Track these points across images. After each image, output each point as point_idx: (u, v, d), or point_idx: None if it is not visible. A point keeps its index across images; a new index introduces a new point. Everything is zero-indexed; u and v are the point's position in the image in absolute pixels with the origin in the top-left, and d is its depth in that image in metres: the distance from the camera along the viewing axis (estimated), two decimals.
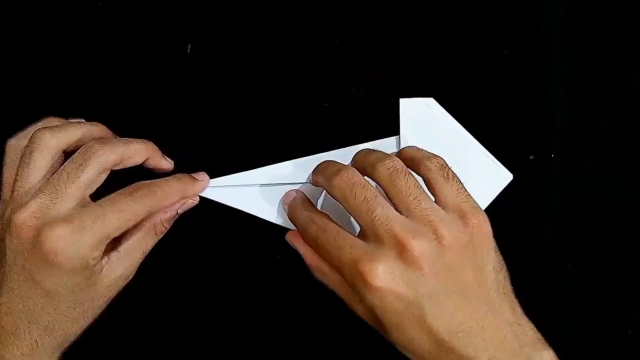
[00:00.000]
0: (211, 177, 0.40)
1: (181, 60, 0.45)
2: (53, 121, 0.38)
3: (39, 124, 0.38)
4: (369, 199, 0.33)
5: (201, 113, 0.44)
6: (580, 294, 0.42)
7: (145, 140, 0.38)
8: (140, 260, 0.37)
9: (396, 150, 0.38)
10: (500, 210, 0.40)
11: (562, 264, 0.43)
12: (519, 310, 0.34)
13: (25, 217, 0.33)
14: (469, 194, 0.35)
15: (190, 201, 0.39)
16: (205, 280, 0.42)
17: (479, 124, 0.43)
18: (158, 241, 0.38)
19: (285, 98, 0.44)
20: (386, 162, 0.35)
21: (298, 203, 0.38)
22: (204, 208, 0.39)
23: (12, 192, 0.35)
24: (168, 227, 0.38)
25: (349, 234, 0.34)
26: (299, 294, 0.42)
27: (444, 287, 0.32)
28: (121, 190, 0.35)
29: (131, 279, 0.37)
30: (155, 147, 0.38)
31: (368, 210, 0.33)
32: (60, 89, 0.44)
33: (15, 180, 0.35)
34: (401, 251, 0.32)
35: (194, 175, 0.39)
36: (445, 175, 0.35)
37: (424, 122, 0.41)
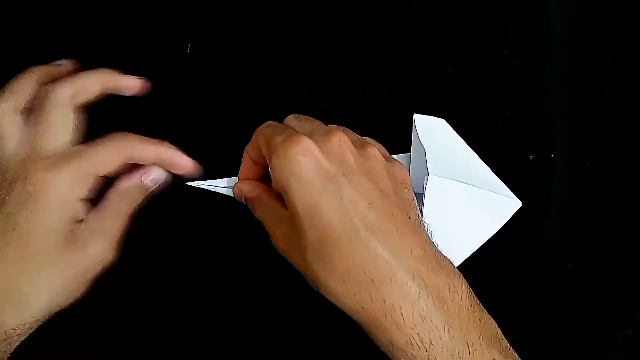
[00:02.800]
0: (211, 177, 0.40)
1: (181, 60, 0.45)
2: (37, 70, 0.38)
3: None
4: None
5: (201, 113, 0.44)
6: (580, 294, 0.42)
7: (97, 69, 0.38)
8: (116, 236, 0.36)
9: (409, 167, 0.39)
10: None
11: (562, 264, 0.43)
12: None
13: (14, 166, 0.34)
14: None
15: (154, 171, 0.38)
16: (205, 279, 0.42)
17: (479, 123, 0.43)
18: (158, 241, 0.38)
19: (285, 98, 0.44)
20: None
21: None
22: (203, 206, 0.40)
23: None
24: (138, 197, 0.37)
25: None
26: (300, 293, 0.42)
27: (366, 182, 0.33)
28: None
29: (115, 265, 0.36)
30: (111, 71, 0.38)
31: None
32: None
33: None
34: (328, 136, 0.34)
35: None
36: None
37: (436, 141, 0.41)
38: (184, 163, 0.38)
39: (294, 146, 0.33)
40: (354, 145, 0.35)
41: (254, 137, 0.38)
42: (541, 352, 0.41)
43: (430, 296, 0.31)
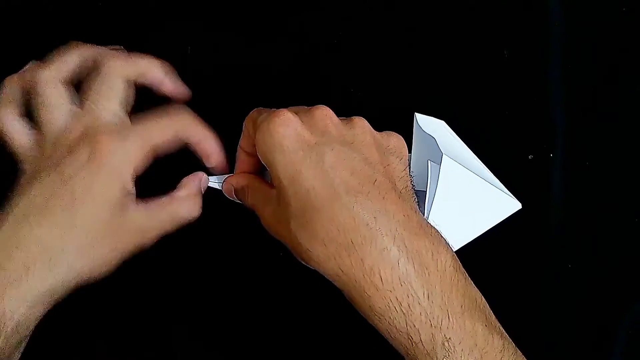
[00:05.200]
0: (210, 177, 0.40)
1: (181, 60, 0.45)
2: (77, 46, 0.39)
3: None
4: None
5: (200, 113, 0.44)
6: (580, 294, 0.42)
7: (161, 60, 0.39)
8: (163, 229, 0.36)
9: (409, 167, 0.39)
10: None
11: (563, 264, 0.43)
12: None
13: (74, 134, 0.35)
14: None
15: (204, 178, 0.39)
16: (205, 279, 0.42)
17: (479, 123, 0.43)
18: (158, 242, 0.38)
19: (285, 98, 0.44)
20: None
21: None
22: (204, 206, 0.39)
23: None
24: (197, 204, 0.38)
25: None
26: (301, 292, 0.42)
27: (348, 150, 0.34)
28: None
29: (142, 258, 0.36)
30: (170, 65, 0.39)
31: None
32: None
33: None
34: (310, 110, 0.35)
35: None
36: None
37: (432, 141, 0.40)
38: (216, 155, 0.39)
39: (275, 118, 0.34)
40: (337, 118, 0.36)
41: (244, 126, 0.39)
42: (541, 351, 0.41)
43: (410, 260, 0.31)
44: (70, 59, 0.38)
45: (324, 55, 0.45)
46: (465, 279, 0.33)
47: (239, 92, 0.44)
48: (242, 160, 0.39)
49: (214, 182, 0.40)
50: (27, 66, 0.39)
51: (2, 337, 0.31)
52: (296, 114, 0.35)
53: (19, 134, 0.37)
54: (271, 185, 0.35)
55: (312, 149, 0.33)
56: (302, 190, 0.32)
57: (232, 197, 0.40)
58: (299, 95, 0.44)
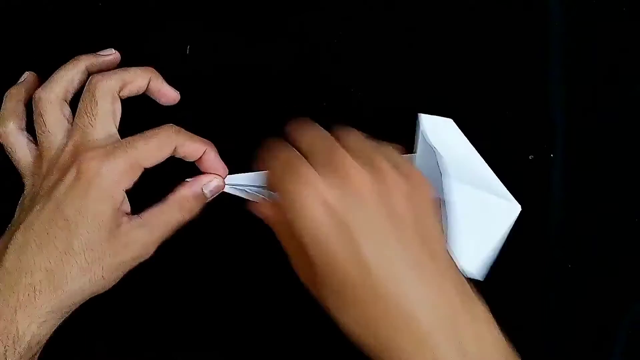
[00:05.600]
0: None
1: (180, 60, 0.45)
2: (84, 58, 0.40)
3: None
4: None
5: (200, 114, 0.44)
6: (580, 294, 0.42)
7: (144, 67, 0.39)
8: (161, 237, 0.37)
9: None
10: None
11: (563, 264, 0.43)
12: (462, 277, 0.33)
13: (65, 155, 0.36)
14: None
15: (215, 182, 0.39)
16: (205, 279, 0.42)
17: (479, 123, 0.43)
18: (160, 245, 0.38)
19: (285, 98, 0.44)
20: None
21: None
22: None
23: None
24: (194, 206, 0.38)
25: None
26: (302, 292, 0.42)
27: (379, 215, 0.32)
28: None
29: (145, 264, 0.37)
30: (154, 71, 0.40)
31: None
32: None
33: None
34: (333, 164, 0.32)
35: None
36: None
37: (443, 142, 0.40)
38: (219, 168, 0.39)
39: (305, 197, 0.32)
40: (364, 165, 0.33)
41: (264, 163, 0.37)
42: (541, 351, 0.41)
43: (452, 344, 0.30)
44: (70, 77, 0.39)
45: (324, 55, 0.45)
46: (503, 351, 0.32)
47: (238, 92, 0.44)
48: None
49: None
50: (23, 78, 0.41)
51: (17, 356, 0.33)
52: (314, 160, 0.33)
53: (22, 149, 0.38)
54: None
55: (347, 229, 0.31)
56: (332, 269, 0.31)
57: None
58: (299, 96, 0.44)
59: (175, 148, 0.37)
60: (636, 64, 0.45)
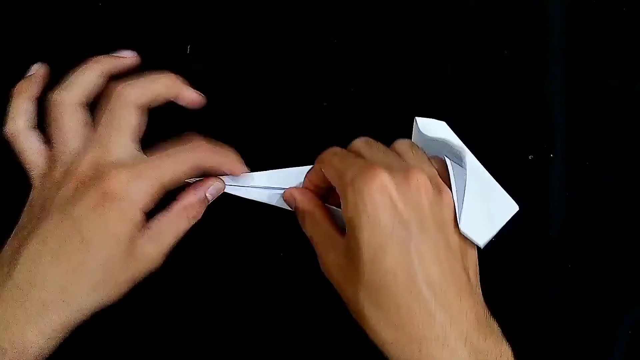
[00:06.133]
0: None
1: (181, 60, 0.45)
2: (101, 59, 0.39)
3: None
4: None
5: (200, 114, 0.44)
6: (580, 294, 0.42)
7: (169, 74, 0.38)
8: (170, 246, 0.36)
9: None
10: None
11: (563, 264, 0.43)
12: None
13: (84, 166, 0.34)
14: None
15: (216, 184, 0.38)
16: (206, 278, 0.42)
17: (479, 123, 0.43)
18: None
19: (284, 98, 0.44)
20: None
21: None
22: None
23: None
24: (199, 212, 0.37)
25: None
26: (302, 292, 0.42)
27: (437, 233, 0.33)
28: (171, 145, 0.36)
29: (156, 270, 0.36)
30: (181, 79, 0.38)
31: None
32: None
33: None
34: (407, 175, 0.33)
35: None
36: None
37: (436, 144, 0.40)
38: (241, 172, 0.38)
39: (371, 182, 0.32)
40: (431, 188, 0.34)
41: (317, 165, 0.37)
42: (541, 351, 0.41)
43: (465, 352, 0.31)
44: (90, 80, 0.37)
45: (324, 55, 0.45)
46: None
47: (238, 92, 0.44)
48: (309, 180, 0.38)
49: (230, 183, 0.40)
50: (32, 71, 0.40)
51: None
52: (389, 170, 0.33)
53: (33, 150, 0.37)
54: (338, 227, 0.35)
55: (402, 225, 0.32)
56: (381, 268, 0.32)
57: (289, 203, 0.39)
58: (299, 96, 0.44)
59: (201, 166, 0.36)
60: (636, 64, 0.45)
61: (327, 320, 0.41)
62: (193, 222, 0.37)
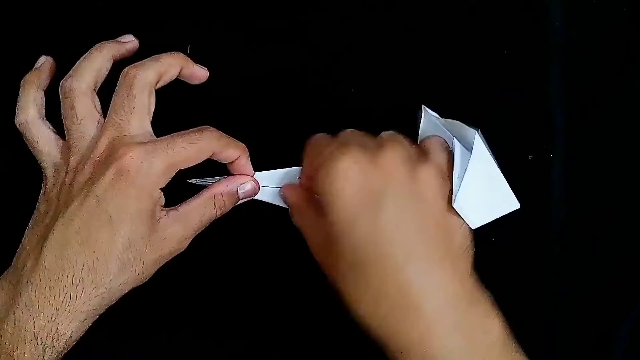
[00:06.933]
0: (210, 174, 0.40)
1: None
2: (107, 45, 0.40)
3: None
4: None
5: (200, 114, 0.44)
6: (580, 293, 0.42)
7: (172, 52, 0.39)
8: (195, 231, 0.37)
9: None
10: None
11: (563, 263, 0.43)
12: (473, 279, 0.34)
13: (100, 149, 0.35)
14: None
15: (250, 184, 0.38)
16: (206, 278, 0.42)
17: (478, 123, 0.42)
18: None
19: (284, 98, 0.44)
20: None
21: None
22: None
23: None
24: (228, 205, 0.38)
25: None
26: (302, 292, 0.42)
27: (413, 203, 0.32)
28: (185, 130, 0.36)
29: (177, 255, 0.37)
30: (184, 55, 0.39)
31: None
32: None
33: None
34: (380, 149, 0.34)
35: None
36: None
37: (447, 126, 0.39)
38: (248, 172, 0.39)
39: (342, 157, 0.33)
40: (408, 161, 0.34)
41: (304, 151, 0.38)
42: (541, 351, 0.41)
43: (459, 333, 0.31)
44: (99, 65, 0.38)
45: (324, 55, 0.45)
46: (512, 349, 0.32)
47: (239, 92, 0.44)
48: (303, 172, 0.39)
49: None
50: (40, 63, 0.41)
51: (55, 355, 0.33)
52: (364, 147, 0.34)
53: (45, 140, 0.37)
54: (322, 212, 0.35)
55: (373, 196, 0.32)
56: (354, 240, 0.32)
57: (284, 205, 0.40)
58: (300, 96, 0.44)
59: (216, 153, 0.37)
60: (636, 64, 0.45)
61: (327, 320, 0.41)
62: (220, 212, 0.38)
